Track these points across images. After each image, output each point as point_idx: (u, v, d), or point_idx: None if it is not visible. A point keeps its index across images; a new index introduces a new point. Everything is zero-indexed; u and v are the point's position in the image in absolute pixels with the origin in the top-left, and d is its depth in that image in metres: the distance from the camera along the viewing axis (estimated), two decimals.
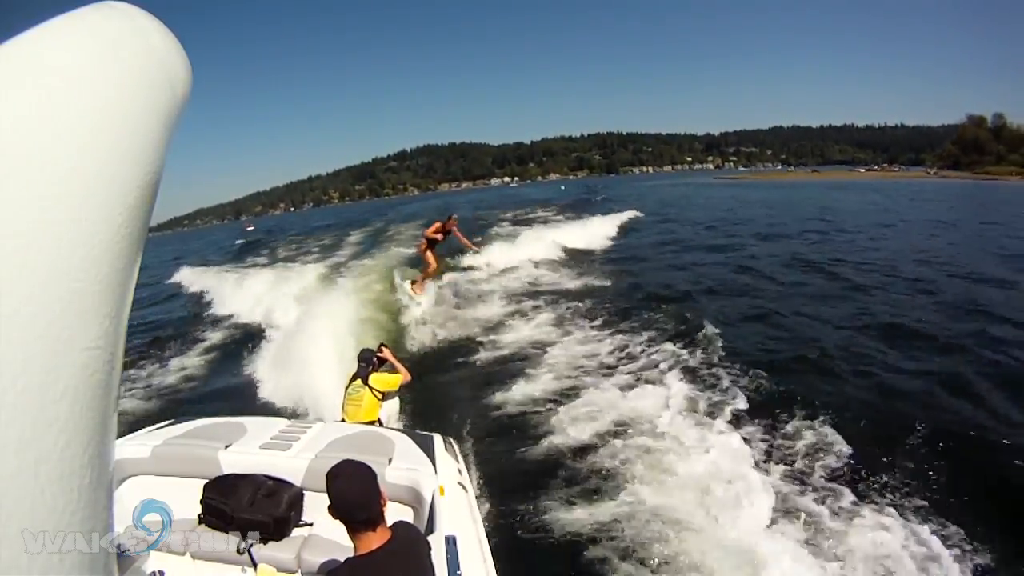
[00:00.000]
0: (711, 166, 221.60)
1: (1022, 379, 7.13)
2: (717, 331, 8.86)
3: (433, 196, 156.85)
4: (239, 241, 47.17)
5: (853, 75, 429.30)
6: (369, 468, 2.18)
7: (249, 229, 60.78)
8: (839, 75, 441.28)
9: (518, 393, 7.34)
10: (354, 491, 2.08)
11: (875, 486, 5.03)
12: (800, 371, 7.57)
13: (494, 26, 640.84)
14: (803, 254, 16.41)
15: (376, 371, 5.71)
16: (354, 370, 5.79)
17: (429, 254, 11.97)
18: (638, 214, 26.34)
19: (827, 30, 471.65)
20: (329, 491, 2.10)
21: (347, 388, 5.69)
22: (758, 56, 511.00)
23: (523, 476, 5.46)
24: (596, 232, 19.52)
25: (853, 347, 8.50)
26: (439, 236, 12.00)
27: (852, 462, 5.36)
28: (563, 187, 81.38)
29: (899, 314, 10.12)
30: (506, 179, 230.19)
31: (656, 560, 4.23)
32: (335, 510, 2.09)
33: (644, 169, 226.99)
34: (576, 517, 4.77)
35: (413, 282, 11.93)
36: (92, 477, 0.74)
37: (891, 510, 4.66)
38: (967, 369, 7.46)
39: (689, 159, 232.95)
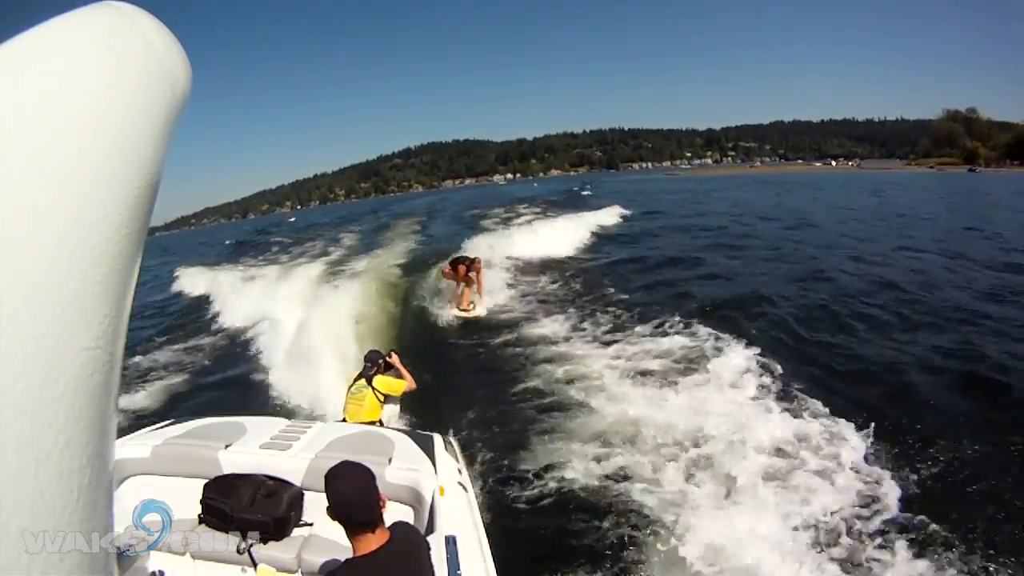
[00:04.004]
0: (710, 160, 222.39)
1: None
2: (719, 330, 8.88)
3: (436, 193, 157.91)
4: (291, 220, 67.24)
5: (856, 69, 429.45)
6: (368, 469, 2.19)
7: (291, 220, 69.09)
8: (842, 69, 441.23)
9: (518, 392, 7.35)
10: (353, 492, 2.09)
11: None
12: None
13: (498, 24, 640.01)
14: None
15: (382, 374, 5.73)
16: (359, 370, 5.82)
17: (453, 281, 11.72)
18: (621, 211, 26.68)
19: (831, 23, 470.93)
20: (328, 493, 2.11)
21: (350, 387, 5.71)
22: (763, 50, 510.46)
23: (523, 476, 5.46)
24: (581, 229, 20.06)
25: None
26: (462, 276, 11.59)
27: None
28: (535, 184, 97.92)
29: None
30: (508, 175, 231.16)
31: (657, 559, 4.24)
32: (334, 511, 2.09)
33: (644, 165, 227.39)
34: (577, 517, 4.78)
35: (458, 306, 11.49)
36: (92, 477, 0.74)
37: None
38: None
39: (688, 154, 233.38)
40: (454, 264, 11.66)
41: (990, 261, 14.18)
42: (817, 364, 7.68)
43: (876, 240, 18.06)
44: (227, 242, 42.26)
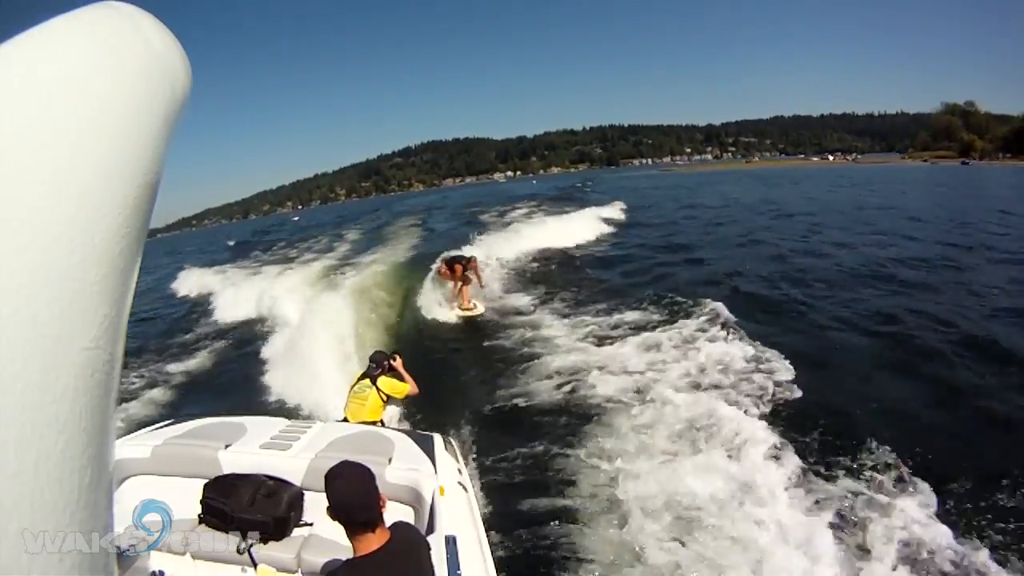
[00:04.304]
0: (710, 156, 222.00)
1: None
2: (732, 318, 9.06)
3: (437, 191, 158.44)
4: (295, 219, 72.20)
5: (855, 64, 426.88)
6: (367, 469, 2.18)
7: (295, 220, 71.71)
8: (841, 64, 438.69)
9: (518, 392, 7.35)
10: (353, 492, 2.09)
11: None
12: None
13: (497, 22, 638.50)
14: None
15: (385, 375, 5.75)
16: (362, 370, 5.84)
17: (450, 280, 11.74)
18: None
19: (831, 18, 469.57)
20: (328, 493, 2.10)
21: (353, 386, 5.73)
22: (763, 46, 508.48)
23: (523, 476, 5.47)
24: (580, 226, 20.25)
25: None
26: (459, 275, 11.62)
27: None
28: (534, 182, 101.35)
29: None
30: (508, 173, 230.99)
31: (658, 560, 4.23)
32: (334, 512, 2.09)
33: (644, 161, 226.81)
34: (577, 517, 4.78)
35: (458, 303, 11.51)
36: (92, 477, 0.74)
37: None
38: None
39: (688, 150, 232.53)
40: (450, 264, 11.65)
41: (936, 240, 16.74)
42: (759, 317, 9.59)
43: (842, 227, 20.16)
44: (229, 243, 42.34)
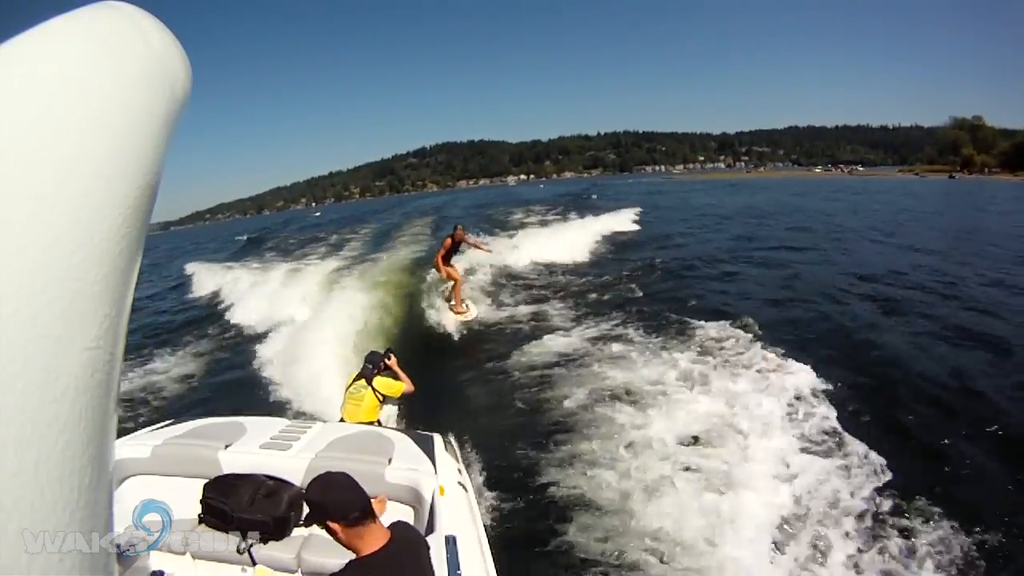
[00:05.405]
0: (722, 165, 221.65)
1: None
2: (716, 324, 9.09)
3: (450, 193, 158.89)
4: (316, 215, 77.22)
5: (871, 77, 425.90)
6: (338, 472, 2.18)
7: (316, 215, 74.36)
8: (858, 76, 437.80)
9: (518, 392, 7.35)
10: (339, 487, 2.08)
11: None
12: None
13: (516, 25, 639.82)
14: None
15: (381, 375, 5.74)
16: (358, 370, 5.81)
17: (448, 270, 11.41)
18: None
19: (848, 31, 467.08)
20: (321, 506, 2.06)
21: (348, 387, 5.69)
22: (780, 56, 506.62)
23: (523, 476, 5.46)
24: (584, 229, 20.64)
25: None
26: (452, 250, 11.47)
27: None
28: (542, 186, 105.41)
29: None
30: (522, 176, 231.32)
31: (657, 559, 4.21)
32: (335, 516, 2.05)
33: (657, 168, 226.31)
34: (577, 516, 4.76)
35: (451, 306, 11.35)
36: (92, 477, 0.74)
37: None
38: None
39: (701, 158, 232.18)
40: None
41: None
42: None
43: (789, 226, 23.08)
44: (238, 238, 42.41)
